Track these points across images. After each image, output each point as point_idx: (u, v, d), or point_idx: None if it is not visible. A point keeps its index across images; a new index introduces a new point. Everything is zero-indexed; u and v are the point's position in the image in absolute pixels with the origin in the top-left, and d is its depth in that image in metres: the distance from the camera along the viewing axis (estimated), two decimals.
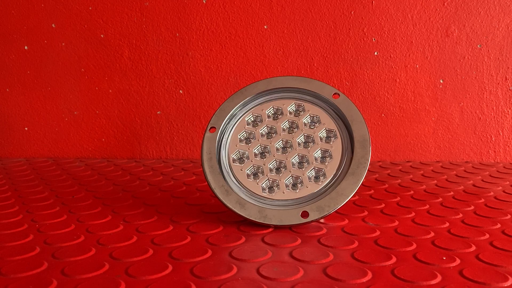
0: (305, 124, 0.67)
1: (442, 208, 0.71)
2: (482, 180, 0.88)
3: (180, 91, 1.12)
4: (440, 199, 0.75)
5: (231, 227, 0.61)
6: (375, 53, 1.07)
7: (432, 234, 0.59)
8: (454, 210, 0.70)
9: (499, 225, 0.62)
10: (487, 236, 0.58)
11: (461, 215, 0.67)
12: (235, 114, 0.69)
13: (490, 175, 0.93)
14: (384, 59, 1.07)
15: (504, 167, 1.01)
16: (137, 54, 1.11)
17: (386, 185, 0.85)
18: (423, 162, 1.07)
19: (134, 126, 1.14)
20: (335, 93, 0.68)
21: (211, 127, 0.68)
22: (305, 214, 0.60)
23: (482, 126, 1.07)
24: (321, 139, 0.66)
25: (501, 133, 1.07)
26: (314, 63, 1.08)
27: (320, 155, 0.65)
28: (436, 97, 1.07)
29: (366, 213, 0.68)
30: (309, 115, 0.68)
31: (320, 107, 0.68)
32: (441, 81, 1.06)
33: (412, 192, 0.80)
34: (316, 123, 0.67)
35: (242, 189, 0.64)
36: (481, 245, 0.56)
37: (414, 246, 0.55)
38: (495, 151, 1.08)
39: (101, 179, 0.92)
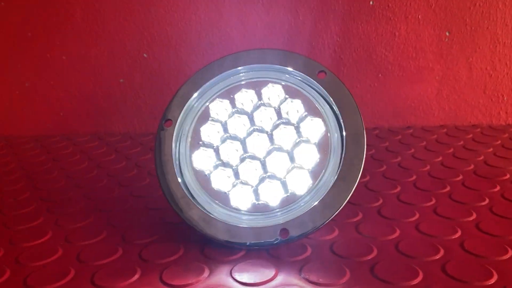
0: (283, 113, 0.54)
1: (452, 204, 0.59)
2: (495, 155, 0.76)
3: (144, 54, 0.96)
4: (448, 188, 0.63)
5: (194, 250, 0.50)
6: (371, 3, 0.90)
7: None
8: (465, 206, 0.58)
9: None
10: None
11: (474, 215, 0.55)
12: (197, 101, 0.55)
13: (503, 146, 0.80)
14: (381, 9, 0.91)
15: None
16: (92, 13, 0.94)
17: (384, 167, 0.72)
18: (425, 127, 0.94)
19: (95, 97, 0.99)
20: (320, 71, 0.54)
21: (166, 120, 0.54)
22: (284, 232, 0.49)
23: (493, 84, 0.93)
24: (302, 133, 0.52)
25: None
26: (299, 17, 0.92)
27: (302, 154, 0.52)
28: (441, 52, 0.92)
29: (360, 216, 0.56)
30: (289, 101, 0.54)
31: (303, 89, 0.54)
32: (447, 34, 0.91)
33: (414, 177, 0.68)
34: (297, 111, 0.53)
35: (208, 200, 0.52)
36: None
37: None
38: (506, 112, 0.95)
39: (53, 168, 0.79)
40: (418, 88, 0.95)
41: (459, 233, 0.51)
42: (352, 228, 0.53)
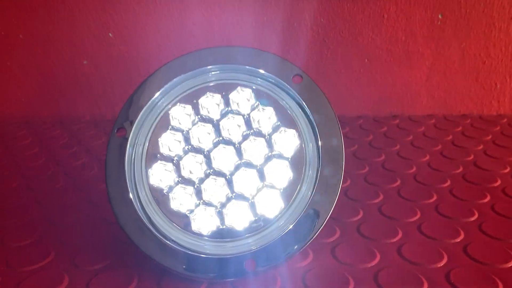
0: (253, 122, 0.47)
1: (438, 220, 0.54)
2: (485, 153, 0.71)
3: (110, 34, 0.87)
4: (435, 198, 0.58)
5: (149, 281, 0.44)
6: None
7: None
8: (451, 220, 0.53)
9: None
10: None
11: (462, 235, 0.51)
12: (155, 105, 0.48)
13: (494, 143, 0.75)
14: None
15: (509, 124, 0.83)
16: None
17: (366, 168, 0.67)
18: (412, 117, 0.89)
19: (57, 79, 0.91)
20: (296, 75, 0.47)
21: (119, 128, 0.48)
22: (252, 263, 0.43)
23: (487, 71, 0.87)
24: (274, 146, 0.46)
25: (508, 80, 0.88)
26: None
27: (274, 171, 0.46)
28: (433, 36, 0.85)
29: (338, 234, 0.51)
30: (260, 108, 0.47)
31: (276, 95, 0.47)
32: (440, 16, 0.84)
33: (398, 182, 0.62)
34: (269, 120, 0.47)
35: (166, 223, 0.46)
36: None
37: None
38: (498, 101, 0.89)
39: (6, 166, 0.72)
40: (407, 75, 0.88)
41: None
42: (327, 252, 0.48)
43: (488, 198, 0.57)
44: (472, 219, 0.53)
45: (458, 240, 0.49)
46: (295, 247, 0.43)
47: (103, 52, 0.88)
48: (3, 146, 0.80)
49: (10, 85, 0.92)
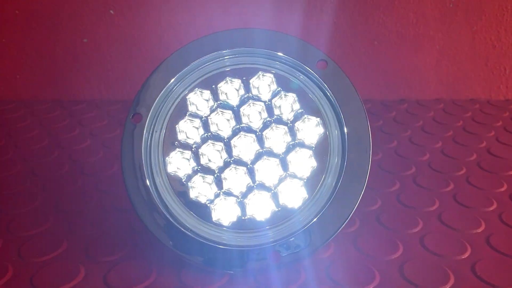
0: (275, 109, 0.45)
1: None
2: (497, 140, 0.70)
3: (111, 11, 0.84)
4: (452, 187, 0.57)
5: (169, 274, 0.43)
6: None
7: None
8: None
9: None
10: None
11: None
12: (171, 91, 0.46)
13: (505, 129, 0.74)
14: None
15: None
16: None
17: (380, 155, 0.66)
18: (420, 101, 0.87)
19: (56, 58, 0.87)
20: (321, 60, 0.45)
21: (134, 114, 0.45)
22: (275, 255, 0.42)
23: (496, 56, 0.86)
24: (297, 134, 0.44)
25: None
26: None
27: (297, 160, 0.44)
28: (444, 19, 0.83)
29: (357, 224, 0.50)
30: (282, 94, 0.45)
31: (299, 81, 0.45)
32: None
33: (413, 170, 0.61)
34: (291, 107, 0.45)
35: (185, 213, 0.44)
36: None
37: None
38: (507, 87, 0.88)
39: (6, 148, 0.69)
40: (416, 58, 0.87)
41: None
42: (349, 243, 0.47)
43: (505, 187, 0.57)
44: (491, 208, 0.52)
45: (480, 230, 0.48)
46: (320, 240, 0.42)
47: (103, 30, 0.85)
48: (0, 126, 0.77)
49: (5, 63, 0.88)
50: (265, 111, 0.45)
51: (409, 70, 0.87)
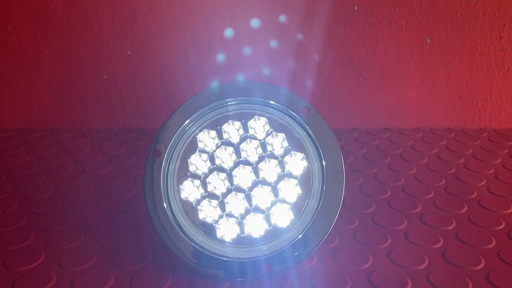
0: (268, 146, 0.56)
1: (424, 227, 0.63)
2: (465, 167, 0.80)
3: (128, 52, 0.95)
4: (420, 208, 0.67)
5: (182, 280, 0.53)
6: (355, 8, 0.91)
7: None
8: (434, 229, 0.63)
9: None
10: None
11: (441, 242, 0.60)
12: (184, 131, 0.57)
13: (474, 157, 0.85)
14: (366, 15, 0.92)
15: (489, 139, 0.93)
16: (73, 8, 0.92)
17: (361, 180, 0.76)
18: (402, 130, 0.98)
19: (78, 92, 0.99)
20: (304, 107, 0.56)
21: (155, 150, 0.56)
22: (267, 265, 0.52)
23: (469, 90, 0.97)
24: (286, 166, 0.55)
25: (488, 98, 0.97)
26: (285, 18, 0.92)
27: (285, 188, 0.55)
28: (422, 58, 0.95)
29: (337, 240, 0.60)
30: (274, 134, 0.56)
31: (287, 123, 0.56)
32: (429, 40, 0.93)
33: (389, 193, 0.72)
34: (281, 145, 0.56)
35: (194, 231, 0.54)
36: None
37: None
38: (480, 117, 0.99)
39: (38, 173, 0.80)
40: (398, 92, 0.97)
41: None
42: (329, 256, 0.57)
43: (466, 208, 0.67)
44: (451, 227, 0.62)
45: (438, 245, 0.58)
46: (303, 253, 0.52)
47: (121, 67, 0.96)
48: (31, 154, 0.88)
49: (33, 96, 0.99)
50: (260, 147, 0.56)
51: (392, 103, 0.98)
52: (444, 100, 0.98)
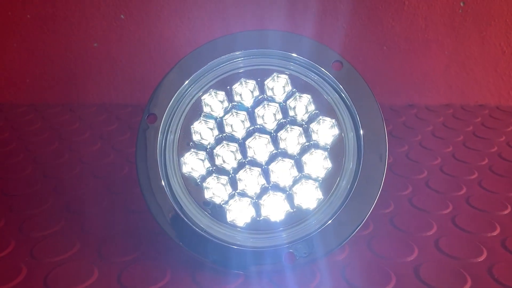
0: (289, 110, 0.45)
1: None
2: (508, 145, 0.70)
3: (122, 16, 0.84)
4: (464, 190, 0.57)
5: (183, 275, 0.42)
6: None
7: None
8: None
9: None
10: None
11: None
12: (186, 92, 0.46)
13: None
14: None
15: None
16: None
17: (391, 159, 0.65)
18: (429, 106, 0.87)
19: (66, 62, 0.88)
20: (336, 61, 0.45)
21: (149, 115, 0.45)
22: (290, 256, 0.42)
23: (506, 61, 0.86)
24: (312, 135, 0.44)
25: None
26: None
27: (312, 162, 0.44)
28: (454, 25, 0.84)
29: (371, 227, 0.49)
30: (297, 95, 0.45)
31: (313, 82, 0.45)
32: (462, 4, 0.82)
33: (425, 173, 0.61)
34: (306, 108, 0.45)
35: (199, 213, 0.44)
36: None
37: None
38: None
39: (17, 150, 0.69)
40: (425, 63, 0.87)
41: None
42: (364, 245, 0.46)
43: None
44: (506, 212, 0.52)
45: (495, 233, 0.48)
46: (336, 242, 0.42)
47: (114, 34, 0.85)
48: (12, 130, 0.77)
49: (15, 68, 0.88)
50: (279, 112, 0.45)
51: (418, 76, 0.87)
52: (477, 73, 0.87)
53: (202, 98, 0.46)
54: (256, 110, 0.45)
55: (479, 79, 0.87)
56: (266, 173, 0.44)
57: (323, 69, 0.45)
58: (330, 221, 0.42)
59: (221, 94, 0.46)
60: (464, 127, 0.77)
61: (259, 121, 0.45)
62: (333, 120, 0.44)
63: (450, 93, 0.89)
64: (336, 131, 0.44)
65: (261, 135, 0.45)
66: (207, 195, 0.44)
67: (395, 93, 0.89)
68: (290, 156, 0.44)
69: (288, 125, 0.45)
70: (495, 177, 0.60)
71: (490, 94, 0.88)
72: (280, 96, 0.46)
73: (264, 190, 0.44)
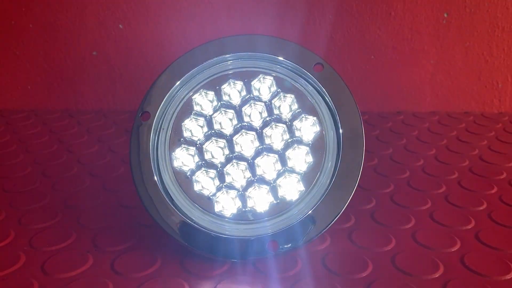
0: (274, 109, 0.48)
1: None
2: (489, 148, 0.73)
3: (120, 25, 0.88)
4: (444, 189, 0.60)
5: (173, 262, 0.45)
6: None
7: None
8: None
9: None
10: None
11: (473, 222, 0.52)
12: (178, 92, 0.49)
13: (498, 139, 0.77)
14: None
15: (511, 122, 0.85)
16: None
17: (375, 161, 0.68)
18: (416, 113, 0.90)
19: (66, 70, 0.91)
20: (317, 63, 0.48)
21: (143, 113, 0.48)
22: (273, 244, 0.44)
23: (489, 70, 0.89)
24: (295, 132, 0.47)
25: (509, 79, 0.90)
26: None
27: (294, 156, 0.47)
28: (438, 35, 0.87)
29: (353, 221, 0.52)
30: (281, 95, 0.48)
31: (296, 82, 0.49)
32: (446, 15, 0.86)
33: (407, 174, 0.64)
34: (290, 107, 0.48)
35: (188, 204, 0.47)
36: None
37: None
38: (500, 100, 0.91)
39: (17, 152, 0.72)
40: (411, 72, 0.90)
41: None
42: (344, 237, 0.49)
43: (495, 189, 0.59)
44: (482, 208, 0.55)
45: (469, 227, 0.50)
46: (315, 231, 0.44)
47: (112, 43, 0.89)
48: (12, 134, 0.80)
49: (16, 74, 0.92)
50: (265, 111, 0.48)
51: (405, 84, 0.91)
52: (461, 81, 0.90)
53: (193, 97, 0.49)
54: (243, 109, 0.48)
55: (464, 87, 0.91)
56: (252, 167, 0.47)
57: (305, 71, 0.48)
58: (310, 212, 0.45)
59: (211, 94, 0.49)
60: (448, 132, 0.80)
61: (246, 119, 0.48)
62: (315, 118, 0.47)
63: (436, 100, 0.92)
64: (317, 128, 0.47)
65: (247, 132, 0.48)
66: (196, 187, 0.47)
67: (383, 101, 0.92)
68: (275, 151, 0.47)
69: (273, 123, 0.48)
70: (475, 177, 0.63)
71: (475, 102, 0.92)
72: (266, 96, 0.49)
73: (250, 183, 0.47)
